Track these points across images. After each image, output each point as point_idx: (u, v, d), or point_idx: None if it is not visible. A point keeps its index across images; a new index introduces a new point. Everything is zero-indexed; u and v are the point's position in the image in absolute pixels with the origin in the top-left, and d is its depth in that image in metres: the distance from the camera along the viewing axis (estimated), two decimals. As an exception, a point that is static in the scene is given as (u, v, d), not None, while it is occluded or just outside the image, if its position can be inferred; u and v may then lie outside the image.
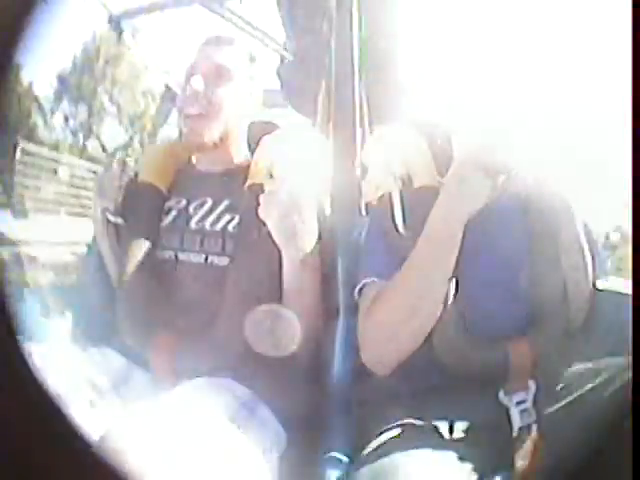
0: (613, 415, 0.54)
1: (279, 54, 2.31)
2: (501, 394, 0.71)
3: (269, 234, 0.69)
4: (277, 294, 0.76)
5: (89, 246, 0.95)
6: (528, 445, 0.65)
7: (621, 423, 0.49)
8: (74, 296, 0.94)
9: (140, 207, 0.86)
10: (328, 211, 0.88)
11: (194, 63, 0.84)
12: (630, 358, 0.55)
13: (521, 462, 0.64)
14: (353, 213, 1.13)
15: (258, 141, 0.87)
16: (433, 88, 0.93)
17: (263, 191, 0.68)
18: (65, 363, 0.68)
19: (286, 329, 0.77)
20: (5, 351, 0.43)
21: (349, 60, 1.77)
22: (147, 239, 0.84)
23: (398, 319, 0.71)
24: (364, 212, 1.24)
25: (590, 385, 0.65)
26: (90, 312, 0.85)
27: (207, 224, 0.83)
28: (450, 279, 0.70)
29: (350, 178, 1.54)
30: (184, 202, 0.86)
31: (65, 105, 5.11)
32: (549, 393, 0.68)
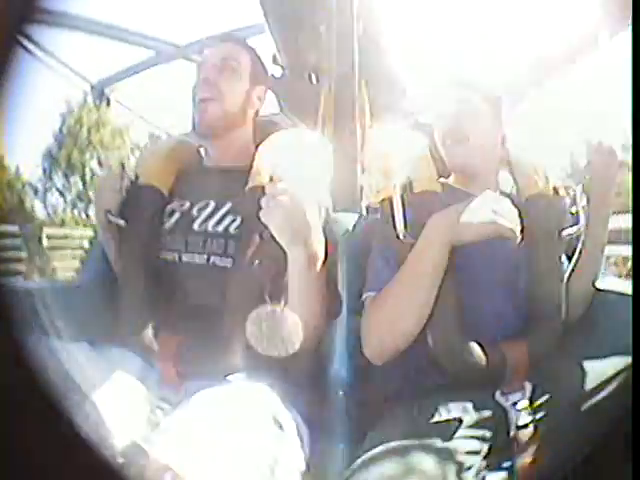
0: (613, 415, 0.54)
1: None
2: (498, 394, 0.71)
3: (271, 236, 0.69)
4: (279, 295, 0.76)
5: (94, 248, 0.96)
6: (526, 445, 0.66)
7: (621, 423, 0.49)
8: (81, 296, 0.95)
9: (141, 209, 0.86)
10: (330, 212, 0.88)
11: (204, 56, 0.90)
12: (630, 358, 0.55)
13: (519, 462, 0.65)
14: (354, 214, 1.13)
15: (261, 140, 0.88)
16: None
17: (264, 194, 0.68)
18: (82, 362, 0.68)
19: (288, 330, 0.77)
20: (12, 351, 0.43)
21: (349, 61, 1.77)
22: (149, 240, 0.85)
23: (392, 319, 0.75)
24: (365, 213, 1.24)
25: (589, 385, 0.65)
26: (100, 312, 0.86)
27: (210, 226, 0.83)
28: (439, 285, 0.74)
29: (351, 180, 1.54)
30: (187, 204, 0.87)
31: (57, 181, 5.05)
32: (546, 393, 0.69)
